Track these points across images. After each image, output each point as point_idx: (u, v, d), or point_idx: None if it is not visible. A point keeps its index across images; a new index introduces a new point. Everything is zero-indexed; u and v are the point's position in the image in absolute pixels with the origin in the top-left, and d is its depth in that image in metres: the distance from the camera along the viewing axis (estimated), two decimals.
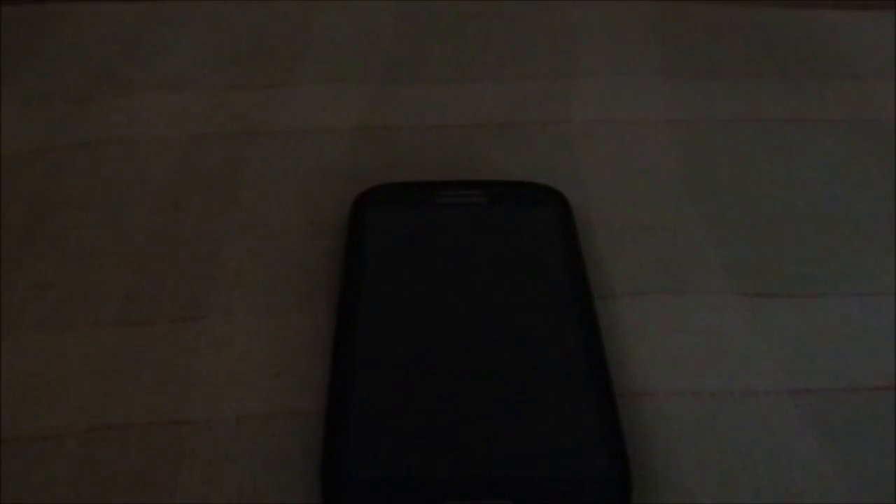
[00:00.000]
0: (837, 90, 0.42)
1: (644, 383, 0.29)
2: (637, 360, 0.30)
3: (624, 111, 0.40)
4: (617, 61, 0.44)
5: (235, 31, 0.46)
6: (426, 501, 0.24)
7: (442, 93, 0.42)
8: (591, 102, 0.41)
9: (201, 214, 0.35)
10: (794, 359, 0.30)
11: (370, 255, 0.32)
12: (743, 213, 0.35)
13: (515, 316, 0.29)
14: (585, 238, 0.34)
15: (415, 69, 0.43)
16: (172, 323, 0.31)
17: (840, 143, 0.39)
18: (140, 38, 0.45)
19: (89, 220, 0.35)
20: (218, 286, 0.32)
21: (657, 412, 0.28)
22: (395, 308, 0.30)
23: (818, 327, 0.31)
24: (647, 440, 0.27)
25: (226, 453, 0.27)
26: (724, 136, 0.39)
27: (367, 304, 0.30)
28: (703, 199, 0.36)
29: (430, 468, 0.25)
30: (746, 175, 0.37)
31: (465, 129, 0.39)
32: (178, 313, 0.31)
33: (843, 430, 0.28)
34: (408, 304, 0.30)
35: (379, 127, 0.40)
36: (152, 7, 0.48)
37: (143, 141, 0.39)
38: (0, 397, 0.28)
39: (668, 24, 0.46)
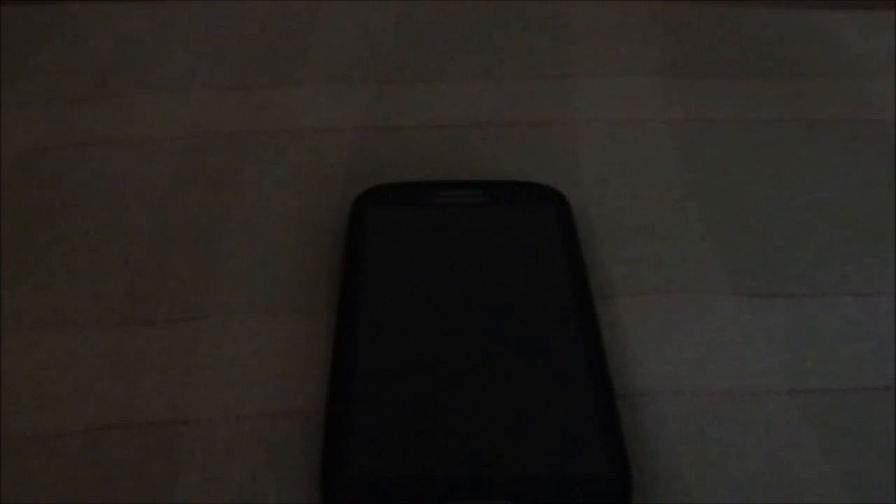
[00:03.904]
0: (838, 90, 0.42)
1: (644, 383, 0.29)
2: (637, 360, 0.30)
3: (624, 111, 0.40)
4: (617, 61, 0.44)
5: (235, 32, 0.46)
6: (426, 501, 0.24)
7: (442, 93, 0.42)
8: (591, 102, 0.41)
9: (201, 214, 0.35)
10: (794, 359, 0.30)
11: (370, 255, 0.32)
12: (742, 213, 0.35)
13: (515, 316, 0.29)
14: (585, 238, 0.34)
15: (415, 69, 0.43)
16: (172, 323, 0.31)
17: (840, 143, 0.39)
18: (140, 38, 0.45)
19: (89, 220, 0.35)
20: (218, 286, 0.32)
21: (657, 412, 0.28)
22: (395, 308, 0.30)
23: (818, 327, 0.31)
24: (647, 440, 0.27)
25: (226, 453, 0.27)
26: (724, 136, 0.39)
27: (367, 304, 0.30)
28: (703, 199, 0.36)
29: (430, 468, 0.25)
30: (746, 175, 0.37)
31: (465, 129, 0.39)
32: (178, 313, 0.31)
33: (843, 430, 0.28)
34: (407, 304, 0.30)
35: (379, 127, 0.39)
36: (152, 7, 0.48)
37: (143, 141, 0.39)
38: (0, 397, 0.28)
39: (667, 24, 0.46)
